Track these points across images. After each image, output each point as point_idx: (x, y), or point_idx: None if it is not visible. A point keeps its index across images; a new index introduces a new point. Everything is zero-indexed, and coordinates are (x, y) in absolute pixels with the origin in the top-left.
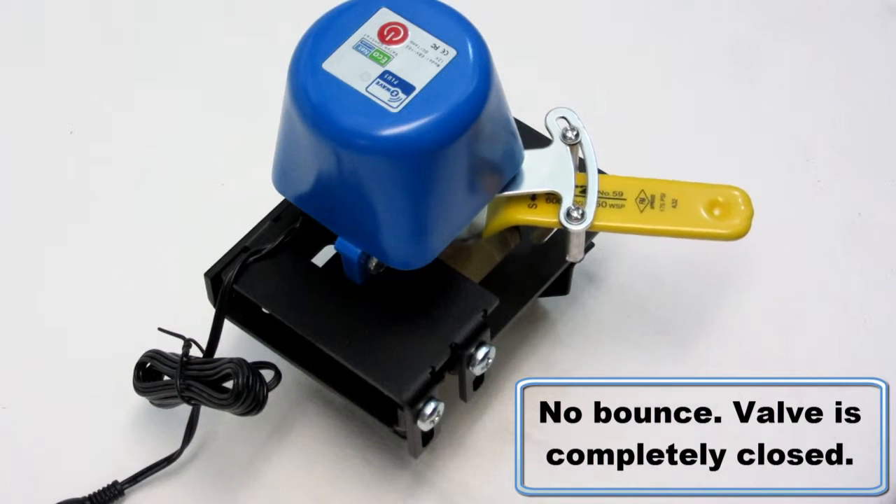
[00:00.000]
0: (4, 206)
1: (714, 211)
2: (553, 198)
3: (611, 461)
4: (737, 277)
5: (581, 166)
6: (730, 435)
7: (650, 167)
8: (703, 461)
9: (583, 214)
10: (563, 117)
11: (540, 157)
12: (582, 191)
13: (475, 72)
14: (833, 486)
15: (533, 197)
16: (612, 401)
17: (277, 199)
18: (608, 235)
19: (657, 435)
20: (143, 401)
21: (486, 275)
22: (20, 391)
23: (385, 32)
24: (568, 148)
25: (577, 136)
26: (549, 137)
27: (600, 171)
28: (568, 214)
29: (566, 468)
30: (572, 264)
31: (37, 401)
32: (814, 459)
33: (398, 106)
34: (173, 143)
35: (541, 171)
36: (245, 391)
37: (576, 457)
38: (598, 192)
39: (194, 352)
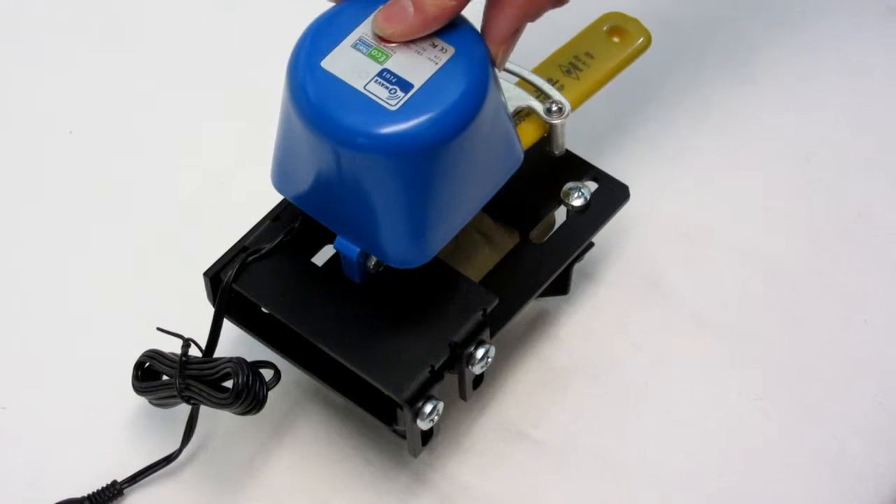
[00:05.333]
0: (4, 206)
1: (614, 39)
2: (518, 116)
3: (611, 461)
4: (736, 277)
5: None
6: (730, 433)
7: (650, 167)
8: (704, 460)
9: (560, 104)
10: None
11: None
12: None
13: (473, 70)
14: (833, 485)
15: None
16: (612, 401)
17: (277, 198)
18: (607, 236)
19: (658, 434)
20: (142, 400)
21: (486, 274)
22: (20, 391)
23: None
24: None
25: None
26: None
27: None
28: (549, 111)
29: (566, 468)
30: (572, 264)
31: (37, 401)
32: (813, 459)
33: (397, 104)
34: (173, 143)
35: None
36: (245, 391)
37: (576, 457)
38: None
39: (193, 351)
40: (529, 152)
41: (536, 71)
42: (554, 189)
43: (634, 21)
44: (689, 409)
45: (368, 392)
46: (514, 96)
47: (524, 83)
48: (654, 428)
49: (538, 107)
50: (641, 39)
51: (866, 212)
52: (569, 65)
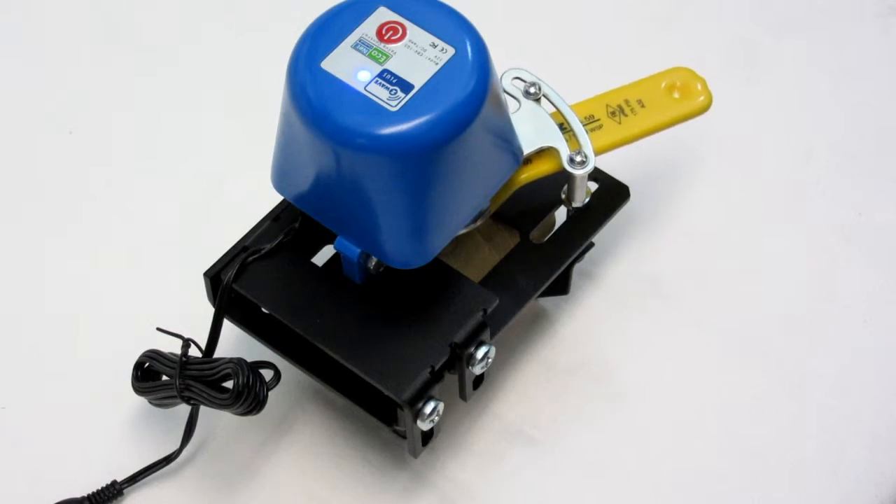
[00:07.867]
0: (4, 206)
1: (674, 94)
2: (542, 150)
3: (611, 461)
4: (736, 278)
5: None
6: (730, 434)
7: (650, 167)
8: (705, 461)
9: (585, 157)
10: (518, 77)
11: (517, 119)
12: (559, 127)
13: (474, 70)
14: (832, 486)
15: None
16: (612, 401)
17: (277, 198)
18: (607, 236)
19: (658, 435)
20: (142, 400)
21: (486, 275)
22: (20, 391)
23: (383, 31)
24: (535, 103)
25: (539, 89)
26: (516, 100)
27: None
28: (571, 161)
29: (566, 468)
30: (572, 264)
31: (37, 401)
32: (813, 459)
33: (397, 105)
34: (173, 143)
35: (525, 132)
36: (245, 391)
37: (576, 457)
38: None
39: (193, 352)
40: None
41: (581, 105)
42: (554, 189)
43: (701, 80)
44: (688, 410)
45: (368, 392)
46: (547, 132)
47: (558, 115)
48: (654, 428)
49: (563, 153)
50: (702, 99)
51: (866, 212)
52: (616, 107)
